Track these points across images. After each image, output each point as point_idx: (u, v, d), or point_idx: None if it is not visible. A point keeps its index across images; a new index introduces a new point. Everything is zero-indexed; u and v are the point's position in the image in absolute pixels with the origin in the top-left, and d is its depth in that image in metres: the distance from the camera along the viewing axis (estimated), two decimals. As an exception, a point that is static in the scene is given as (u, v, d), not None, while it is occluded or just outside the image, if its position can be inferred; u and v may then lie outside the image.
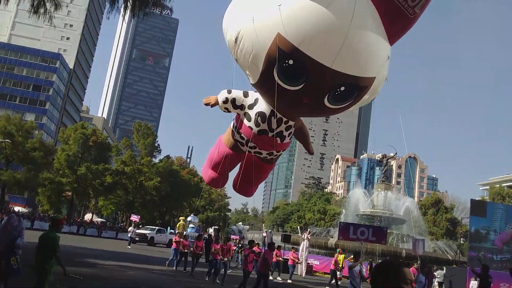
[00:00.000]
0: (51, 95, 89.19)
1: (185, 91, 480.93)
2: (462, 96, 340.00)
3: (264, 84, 6.46)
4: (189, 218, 44.05)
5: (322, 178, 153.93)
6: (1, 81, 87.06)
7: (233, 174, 9.82)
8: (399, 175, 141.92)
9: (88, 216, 71.98)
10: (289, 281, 19.69)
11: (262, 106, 7.40)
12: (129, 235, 33.32)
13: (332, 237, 37.07)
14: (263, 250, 16.09)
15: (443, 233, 67.87)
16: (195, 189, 68.39)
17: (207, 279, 16.02)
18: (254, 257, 15.30)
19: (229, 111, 7.77)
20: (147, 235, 38.70)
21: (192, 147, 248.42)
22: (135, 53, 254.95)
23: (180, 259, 18.78)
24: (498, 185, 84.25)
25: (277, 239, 34.86)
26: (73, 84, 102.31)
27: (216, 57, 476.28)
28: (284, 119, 7.37)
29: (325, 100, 6.14)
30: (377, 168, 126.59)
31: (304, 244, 25.01)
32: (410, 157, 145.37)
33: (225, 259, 15.93)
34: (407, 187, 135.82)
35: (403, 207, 41.53)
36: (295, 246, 24.66)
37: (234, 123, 8.21)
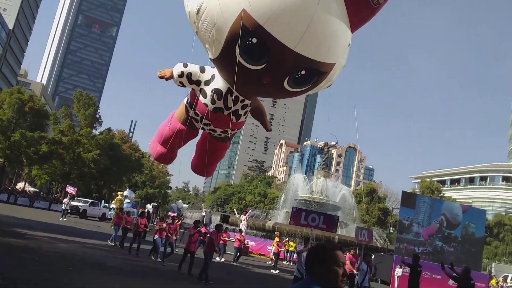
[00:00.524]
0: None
1: (132, 64, 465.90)
2: (406, 91, 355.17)
3: (224, 60, 6.30)
4: (125, 193, 43.11)
5: (265, 162, 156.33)
6: None
7: (188, 153, 9.66)
8: (338, 164, 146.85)
9: (20, 185, 68.62)
10: (233, 263, 19.73)
11: (219, 83, 7.23)
12: (63, 207, 32.00)
13: (270, 220, 37.94)
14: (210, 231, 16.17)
15: (375, 222, 71.33)
16: (135, 164, 67.00)
17: (153, 258, 15.79)
18: (200, 238, 15.37)
19: (184, 86, 7.56)
20: (80, 207, 37.45)
21: (136, 122, 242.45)
22: (81, 19, 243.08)
23: (124, 235, 18.40)
24: (428, 179, 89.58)
25: (216, 219, 35.18)
26: (11, 46, 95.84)
27: (167, 31, 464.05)
28: (241, 98, 7.24)
29: (285, 82, 6.06)
30: (319, 155, 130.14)
31: (242, 225, 25.48)
32: (350, 147, 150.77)
33: (174, 237, 15.62)
34: (345, 176, 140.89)
35: (340, 195, 43.16)
36: (241, 229, 24.85)
37: (188, 99, 8.02)
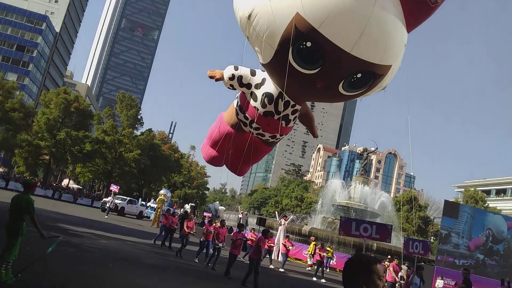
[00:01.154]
0: (35, 57, 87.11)
1: (173, 67, 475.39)
2: (451, 96, 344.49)
3: (276, 65, 6.14)
4: (162, 191, 43.69)
5: (302, 166, 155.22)
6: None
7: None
8: (378, 170, 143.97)
9: (65, 182, 71.22)
10: (281, 269, 19.24)
11: (270, 87, 7.10)
12: (107, 205, 32.90)
13: (306, 225, 37.53)
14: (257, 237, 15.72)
15: (415, 230, 69.32)
16: (174, 165, 68.25)
17: (196, 261, 15.49)
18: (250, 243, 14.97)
19: (234, 89, 7.46)
20: (118, 205, 38.15)
21: (175, 123, 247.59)
22: (124, 23, 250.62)
23: (166, 236, 18.38)
24: (473, 188, 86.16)
25: (252, 221, 35.15)
26: (58, 48, 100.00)
27: (207, 34, 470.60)
28: (292, 103, 7.09)
29: (340, 86, 5.89)
30: (357, 161, 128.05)
31: (280, 230, 25.21)
32: (390, 153, 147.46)
33: (220, 244, 15.00)
34: (384, 183, 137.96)
35: (379, 202, 42.16)
36: (289, 235, 24.04)
37: (238, 102, 7.88)
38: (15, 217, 6.88)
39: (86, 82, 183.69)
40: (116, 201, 38.70)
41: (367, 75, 5.81)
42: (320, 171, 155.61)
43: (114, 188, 36.22)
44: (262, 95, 7.12)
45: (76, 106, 56.41)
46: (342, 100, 6.78)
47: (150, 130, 66.06)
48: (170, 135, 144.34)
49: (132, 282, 9.56)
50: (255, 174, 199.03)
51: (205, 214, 39.87)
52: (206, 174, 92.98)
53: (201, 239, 15.44)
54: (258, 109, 7.21)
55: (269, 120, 7.25)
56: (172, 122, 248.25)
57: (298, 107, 7.29)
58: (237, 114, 7.91)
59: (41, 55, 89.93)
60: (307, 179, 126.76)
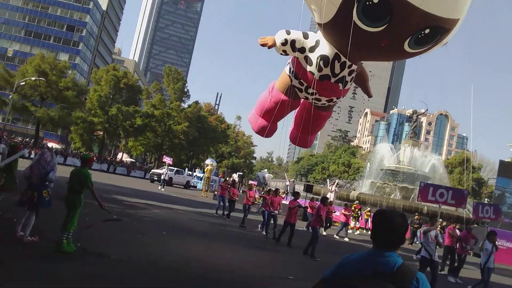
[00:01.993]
0: (84, 36, 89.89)
1: (216, 38, 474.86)
2: (503, 49, 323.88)
3: (337, 24, 5.87)
4: (207, 161, 44.14)
5: (349, 132, 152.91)
6: (36, 20, 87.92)
7: (285, 125, 9.34)
8: (428, 132, 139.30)
9: (118, 156, 74.42)
10: (346, 239, 19.03)
11: (325, 48, 6.74)
12: (162, 177, 32.57)
13: (354, 190, 37.42)
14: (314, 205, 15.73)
15: (468, 193, 67.30)
16: (221, 135, 69.42)
17: (263, 232, 15.35)
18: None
19: (286, 54, 7.17)
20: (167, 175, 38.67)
21: (221, 94, 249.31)
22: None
23: (231, 207, 18.43)
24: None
25: (299, 188, 35.44)
26: (106, 26, 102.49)
27: (250, 2, 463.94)
28: (348, 63, 6.76)
29: (406, 43, 5.64)
30: (407, 124, 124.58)
31: (331, 196, 25.40)
32: (441, 114, 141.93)
33: (275, 212, 15.14)
34: (435, 145, 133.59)
35: (429, 165, 41.08)
36: (347, 203, 23.76)
37: (291, 68, 7.56)
38: (73, 190, 7.33)
39: (133, 58, 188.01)
40: (164, 171, 39.59)
41: (435, 30, 5.56)
42: (368, 136, 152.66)
43: (167, 160, 36.80)
44: (317, 58, 6.80)
45: (125, 82, 58.18)
46: (404, 57, 6.46)
47: (196, 102, 67.20)
48: (216, 106, 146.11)
49: (186, 248, 10.14)
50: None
51: (250, 182, 40.40)
52: (252, 144, 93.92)
53: (261, 209, 15.38)
54: (313, 73, 6.91)
55: (326, 83, 6.96)
56: (217, 93, 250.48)
57: (354, 67, 6.97)
58: (291, 81, 7.60)
59: (90, 34, 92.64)
60: (354, 145, 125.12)
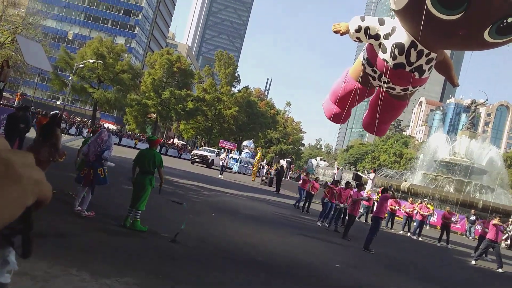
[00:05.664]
0: (140, 20, 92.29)
1: (268, 23, 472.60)
2: None
3: (411, 11, 5.65)
4: (245, 143, 43.22)
5: (402, 121, 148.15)
6: (95, 4, 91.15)
7: (359, 112, 9.13)
8: (487, 124, 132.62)
9: (173, 139, 76.43)
10: (419, 238, 18.28)
11: (401, 36, 6.49)
12: (220, 163, 30.55)
13: (405, 181, 36.40)
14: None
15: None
16: (270, 121, 69.50)
17: (326, 225, 14.88)
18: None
19: (360, 41, 7.03)
20: (208, 157, 38.65)
21: (271, 80, 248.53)
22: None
23: (307, 200, 18.18)
24: None
25: (348, 177, 34.94)
26: (161, 10, 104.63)
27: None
28: (426, 51, 6.45)
29: (486, 32, 5.24)
30: (464, 114, 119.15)
31: (368, 184, 24.82)
32: (502, 105, 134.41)
33: (341, 205, 14.63)
34: (494, 137, 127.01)
35: (487, 157, 39.19)
36: (425, 200, 22.31)
37: (365, 55, 7.39)
38: (146, 171, 7.71)
39: (186, 42, 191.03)
40: (207, 153, 39.43)
41: None
42: (422, 125, 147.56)
43: (228, 144, 34.34)
44: (392, 45, 6.57)
45: (178, 66, 59.38)
46: (486, 48, 5.96)
47: (247, 88, 67.53)
48: (266, 91, 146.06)
49: (236, 229, 10.31)
50: (351, 130, 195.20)
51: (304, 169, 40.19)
52: (301, 130, 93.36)
53: (325, 200, 15.08)
54: (387, 62, 6.70)
55: (400, 72, 6.72)
56: (267, 78, 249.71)
57: (433, 55, 6.58)
58: (364, 68, 7.44)
59: (145, 18, 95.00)
60: (407, 134, 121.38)
